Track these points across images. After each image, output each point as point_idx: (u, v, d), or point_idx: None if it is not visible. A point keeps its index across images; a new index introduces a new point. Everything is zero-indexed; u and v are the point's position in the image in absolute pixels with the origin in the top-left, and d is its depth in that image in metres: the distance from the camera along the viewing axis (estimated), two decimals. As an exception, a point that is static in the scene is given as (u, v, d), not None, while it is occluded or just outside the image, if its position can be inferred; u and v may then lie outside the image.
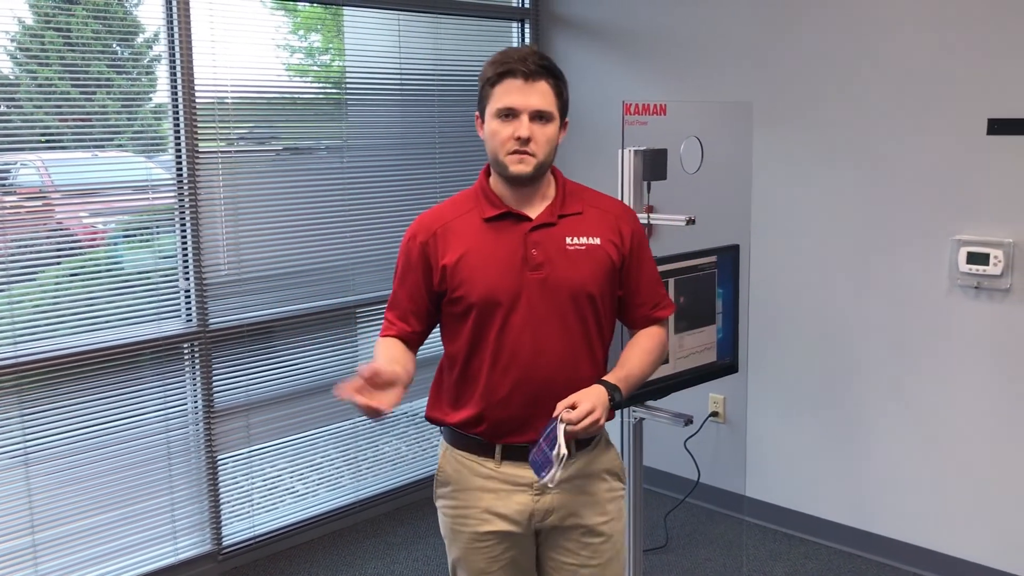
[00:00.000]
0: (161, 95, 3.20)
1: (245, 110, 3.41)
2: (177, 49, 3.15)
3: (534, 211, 1.91)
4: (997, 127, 3.03)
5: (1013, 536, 3.14)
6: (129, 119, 3.15)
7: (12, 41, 2.89)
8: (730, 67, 3.67)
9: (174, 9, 3.13)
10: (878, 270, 3.36)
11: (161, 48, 3.17)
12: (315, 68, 3.75)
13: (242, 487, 3.53)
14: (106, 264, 3.15)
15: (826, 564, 3.44)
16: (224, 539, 3.47)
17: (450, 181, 4.00)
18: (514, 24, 4.29)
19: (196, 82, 3.20)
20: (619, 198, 2.65)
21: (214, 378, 3.37)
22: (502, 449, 1.93)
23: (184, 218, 3.25)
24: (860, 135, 3.35)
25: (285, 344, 3.59)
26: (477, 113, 1.93)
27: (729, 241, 2.77)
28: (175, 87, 3.17)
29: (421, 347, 2.03)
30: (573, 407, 1.79)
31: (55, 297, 3.00)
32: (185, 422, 3.33)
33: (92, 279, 3.09)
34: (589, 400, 1.80)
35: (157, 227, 3.24)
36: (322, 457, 3.77)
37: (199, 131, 3.23)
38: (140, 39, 3.18)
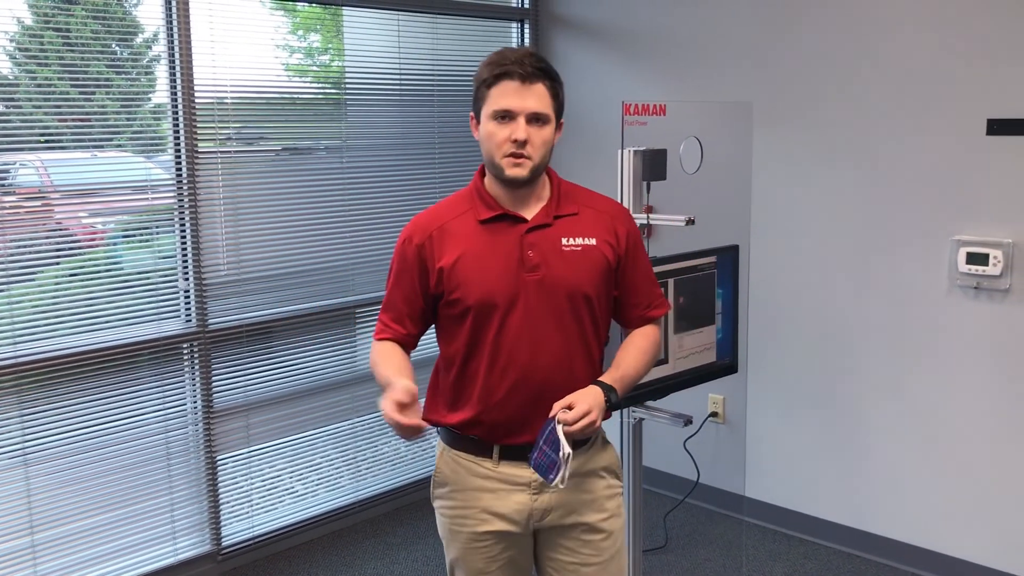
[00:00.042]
0: (160, 95, 3.20)
1: (244, 110, 3.41)
2: (176, 49, 3.15)
3: (530, 212, 1.91)
4: (996, 127, 3.03)
5: (1012, 536, 3.14)
6: (128, 119, 3.15)
7: (11, 41, 2.89)
8: (730, 67, 3.67)
9: (173, 9, 3.12)
10: (877, 270, 3.36)
11: (160, 48, 3.17)
12: (314, 68, 3.75)
13: (241, 487, 3.53)
14: (105, 264, 3.15)
15: (825, 564, 3.44)
16: (223, 539, 3.47)
17: (449, 181, 3.99)
18: (513, 24, 4.29)
19: (195, 82, 3.20)
20: (619, 198, 2.65)
21: (213, 378, 3.37)
22: (500, 449, 1.93)
23: (183, 218, 3.24)
24: (860, 135, 3.35)
25: (284, 344, 3.59)
26: (472, 114, 1.92)
27: (729, 241, 2.77)
28: (174, 87, 3.17)
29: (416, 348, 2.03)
30: (570, 407, 1.80)
31: (54, 297, 3.00)
32: (184, 422, 3.33)
33: (91, 279, 3.09)
34: (586, 401, 1.81)
35: (156, 227, 3.24)
36: (321, 457, 3.77)
37: (198, 131, 3.23)
38: (139, 39, 3.18)
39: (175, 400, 3.30)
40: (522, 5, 4.29)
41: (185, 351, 3.30)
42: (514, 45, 4.29)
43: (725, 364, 2.80)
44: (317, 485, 3.76)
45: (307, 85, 3.67)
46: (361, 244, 3.74)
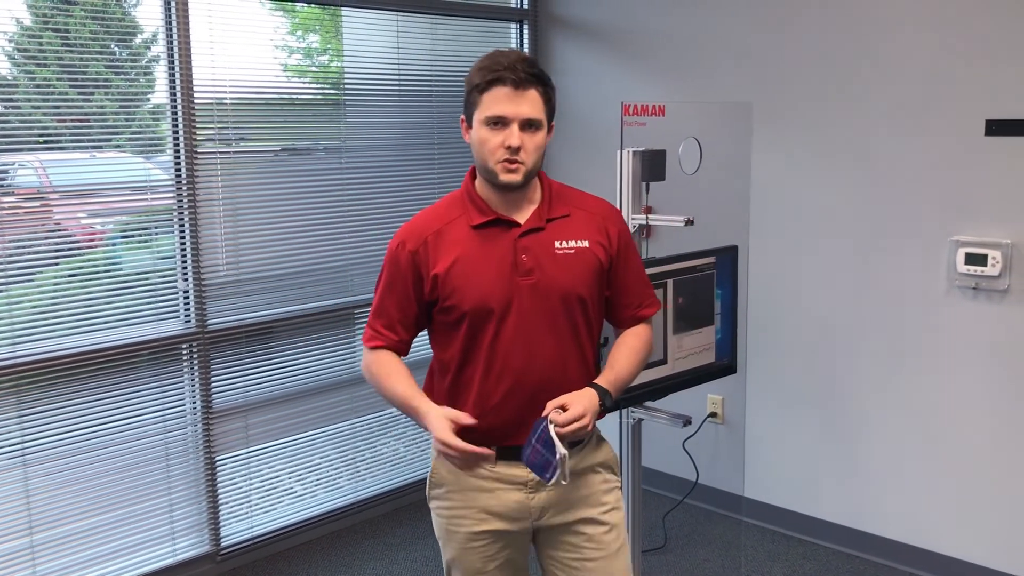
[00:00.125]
0: (159, 96, 3.20)
1: (244, 111, 3.41)
2: (176, 50, 3.15)
3: (522, 215, 1.91)
4: (995, 128, 3.04)
5: (1011, 536, 3.14)
6: (127, 120, 3.14)
7: (10, 42, 2.89)
8: (729, 68, 3.67)
9: (172, 10, 3.12)
10: (876, 271, 3.36)
11: (159, 49, 3.17)
12: (313, 69, 3.75)
13: (241, 488, 3.52)
14: (104, 265, 3.15)
15: (824, 565, 3.44)
16: (223, 540, 3.47)
17: (448, 181, 4.00)
18: (513, 25, 4.29)
19: (195, 83, 3.20)
20: (618, 199, 2.65)
21: (212, 379, 3.37)
22: (497, 450, 1.93)
23: (183, 219, 3.24)
24: (859, 136, 3.35)
25: (284, 345, 3.59)
26: (463, 117, 1.91)
27: (728, 242, 2.77)
28: (173, 88, 3.17)
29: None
30: (563, 407, 1.81)
31: (53, 298, 3.00)
32: (184, 423, 3.33)
33: (90, 280, 3.09)
34: (581, 404, 1.82)
35: (156, 228, 3.23)
36: (320, 458, 3.77)
37: (197, 131, 3.23)
38: (138, 39, 3.18)
39: (174, 400, 3.30)
40: (521, 6, 4.29)
41: (184, 352, 3.30)
42: (513, 46, 4.29)
43: (724, 364, 2.80)
44: (316, 486, 3.76)
45: (306, 86, 3.67)
46: (360, 245, 3.74)
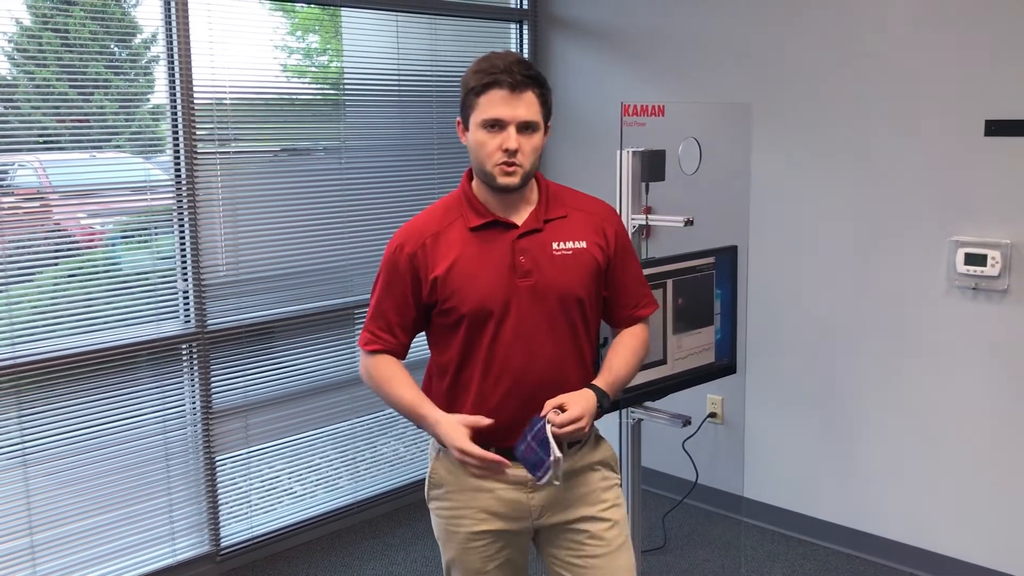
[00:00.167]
0: (159, 96, 3.20)
1: (243, 111, 3.41)
2: (175, 50, 3.15)
3: (519, 217, 1.91)
4: (995, 128, 3.04)
5: (1012, 537, 3.14)
6: (127, 120, 3.14)
7: (10, 42, 2.89)
8: (728, 68, 3.67)
9: (172, 10, 3.12)
10: (876, 271, 3.36)
11: (159, 49, 3.17)
12: (313, 69, 3.75)
13: (240, 488, 3.53)
14: (104, 265, 3.15)
15: (824, 565, 3.44)
16: (222, 540, 3.47)
17: (448, 181, 4.00)
18: (512, 25, 4.29)
19: (194, 83, 3.20)
20: (617, 199, 2.65)
21: (212, 379, 3.37)
22: (495, 451, 1.93)
23: (182, 219, 3.25)
24: (858, 136, 3.35)
25: (283, 345, 3.59)
26: (459, 119, 1.91)
27: (727, 242, 2.77)
28: (173, 88, 3.17)
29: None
30: (562, 407, 1.81)
31: (53, 298, 3.00)
32: (183, 423, 3.33)
33: (90, 280, 3.09)
34: (579, 406, 1.82)
35: (155, 228, 3.24)
36: (320, 458, 3.77)
37: (197, 132, 3.23)
38: (138, 40, 3.18)
39: (174, 401, 3.30)
40: (521, 6, 4.29)
41: (184, 352, 3.30)
42: (513, 46, 4.29)
43: (724, 365, 2.80)
44: (316, 486, 3.76)
45: (306, 86, 3.67)
46: (360, 245, 3.74)
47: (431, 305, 1.92)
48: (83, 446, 3.08)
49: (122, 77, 3.12)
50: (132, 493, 3.21)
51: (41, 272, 2.99)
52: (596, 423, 1.98)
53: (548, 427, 1.78)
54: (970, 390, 3.18)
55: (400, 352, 1.98)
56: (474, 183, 1.94)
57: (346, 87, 3.72)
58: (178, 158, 3.21)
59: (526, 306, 1.88)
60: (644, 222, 2.64)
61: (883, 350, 3.37)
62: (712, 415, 3.85)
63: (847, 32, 3.34)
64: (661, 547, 3.61)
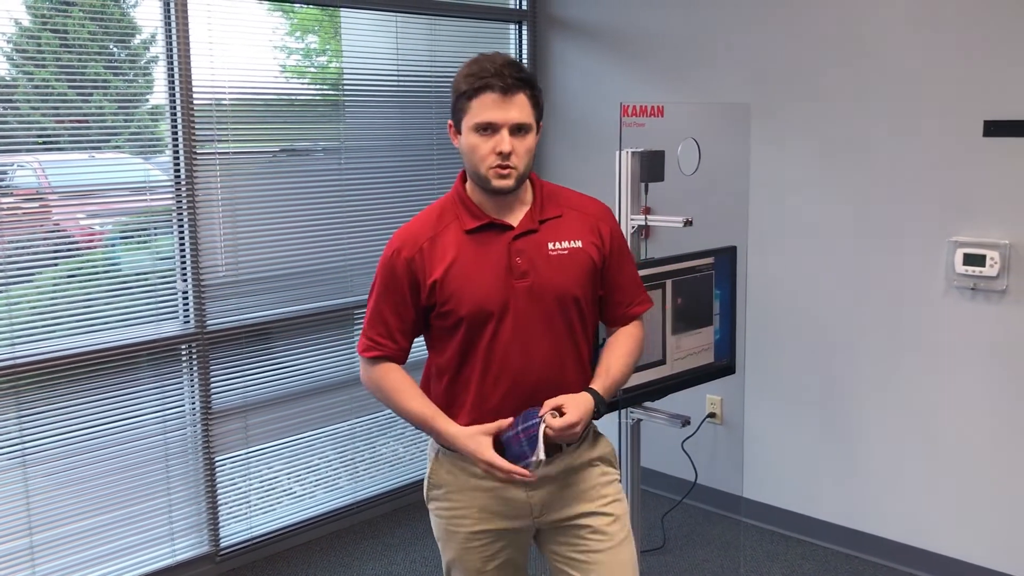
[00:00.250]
0: (158, 96, 3.20)
1: (243, 111, 3.41)
2: (175, 50, 3.15)
3: (514, 218, 1.92)
4: (993, 129, 3.04)
5: (1012, 537, 3.14)
6: (126, 120, 3.15)
7: (9, 43, 2.89)
8: (727, 68, 3.67)
9: (171, 10, 3.12)
10: (875, 271, 3.36)
11: (158, 49, 3.17)
12: (312, 69, 3.75)
13: (240, 488, 3.53)
14: (104, 266, 3.15)
15: (823, 565, 3.45)
16: (222, 540, 3.47)
17: (447, 181, 3.99)
18: (512, 26, 4.29)
19: (194, 83, 3.20)
20: (617, 200, 2.65)
21: (212, 379, 3.37)
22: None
23: (182, 219, 3.25)
24: (857, 136, 3.36)
25: (283, 345, 3.59)
26: (451, 123, 1.91)
27: (726, 242, 2.78)
28: (172, 88, 3.17)
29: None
30: (560, 410, 1.82)
31: (53, 299, 3.00)
32: (183, 423, 3.33)
33: (90, 281, 3.09)
34: (577, 411, 1.83)
35: (155, 228, 3.24)
36: (320, 458, 3.77)
37: (196, 132, 3.23)
38: (137, 40, 3.18)
39: (173, 401, 3.30)
40: (520, 7, 4.29)
41: (183, 352, 3.30)
42: (512, 47, 4.30)
43: (723, 365, 2.81)
44: (315, 486, 3.76)
45: (305, 86, 3.67)
46: (359, 245, 3.75)
47: (429, 308, 1.92)
48: (83, 446, 3.08)
49: (121, 78, 3.12)
50: (131, 493, 3.21)
51: (41, 273, 2.99)
52: (595, 420, 1.99)
53: (542, 427, 1.79)
54: (969, 390, 3.18)
55: (400, 357, 1.98)
56: (468, 185, 1.95)
57: (345, 87, 3.72)
58: (177, 158, 3.21)
59: (523, 307, 1.88)
60: (643, 222, 2.65)
61: (882, 350, 3.37)
62: (711, 415, 3.85)
63: (846, 32, 3.34)
64: (660, 547, 3.61)
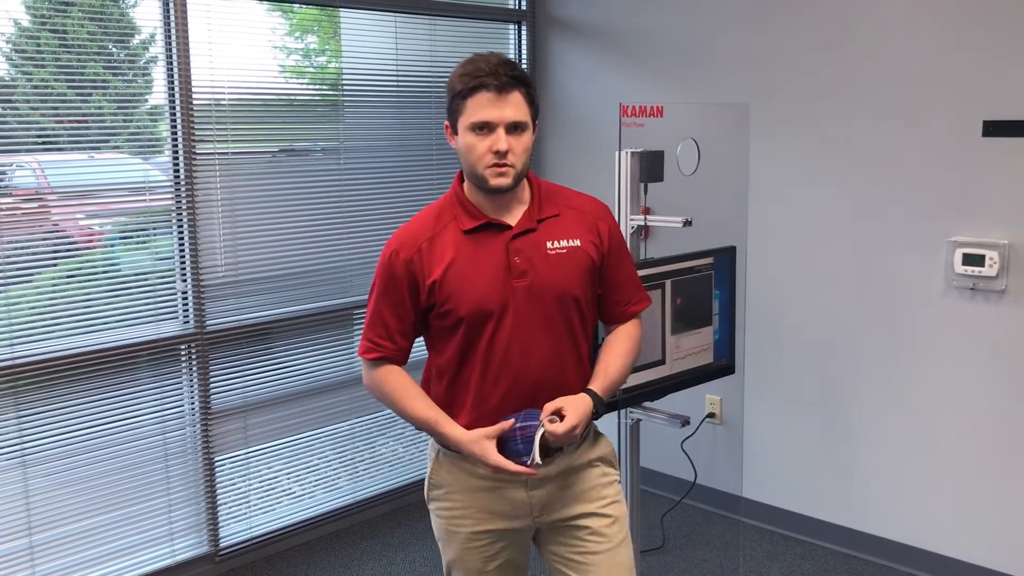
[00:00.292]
0: (158, 96, 3.20)
1: (242, 111, 3.41)
2: (174, 50, 3.15)
3: (512, 217, 1.92)
4: (993, 129, 3.04)
5: (1012, 537, 3.14)
6: (125, 121, 3.15)
7: (8, 43, 2.89)
8: (727, 69, 3.67)
9: (170, 10, 3.12)
10: (874, 271, 3.36)
11: (158, 49, 3.17)
12: (312, 70, 3.75)
13: (239, 488, 3.53)
14: (103, 266, 3.15)
15: (822, 565, 3.45)
16: (221, 540, 3.47)
17: (447, 181, 3.99)
18: (511, 26, 4.29)
19: (193, 84, 3.20)
20: (616, 200, 2.65)
21: (211, 379, 3.37)
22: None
23: (181, 219, 3.25)
24: (856, 136, 3.36)
25: (282, 346, 3.59)
26: (447, 123, 1.91)
27: (726, 243, 2.78)
28: (172, 89, 3.17)
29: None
30: (559, 412, 1.83)
31: (52, 299, 3.00)
32: (182, 423, 3.33)
33: (89, 281, 3.09)
34: (576, 415, 1.83)
35: (154, 229, 3.24)
36: (319, 458, 3.77)
37: (196, 132, 3.23)
38: (136, 40, 3.18)
39: (173, 401, 3.30)
40: (519, 7, 4.29)
41: (183, 352, 3.30)
42: (511, 47, 4.30)
43: (722, 365, 2.81)
44: (315, 486, 3.76)
45: (304, 86, 3.67)
46: (359, 245, 3.75)
47: (428, 309, 1.92)
48: (82, 446, 3.08)
49: (120, 78, 3.12)
50: (131, 493, 3.21)
51: (40, 273, 2.99)
52: (594, 421, 1.99)
53: (540, 432, 1.79)
54: (969, 390, 3.18)
55: (401, 359, 1.98)
56: (465, 185, 1.95)
57: (344, 87, 3.72)
58: (177, 159, 3.21)
59: (523, 306, 1.88)
60: (643, 223, 2.65)
61: (881, 350, 3.37)
62: (711, 415, 3.85)
63: (845, 32, 3.34)
64: (660, 547, 3.61)
